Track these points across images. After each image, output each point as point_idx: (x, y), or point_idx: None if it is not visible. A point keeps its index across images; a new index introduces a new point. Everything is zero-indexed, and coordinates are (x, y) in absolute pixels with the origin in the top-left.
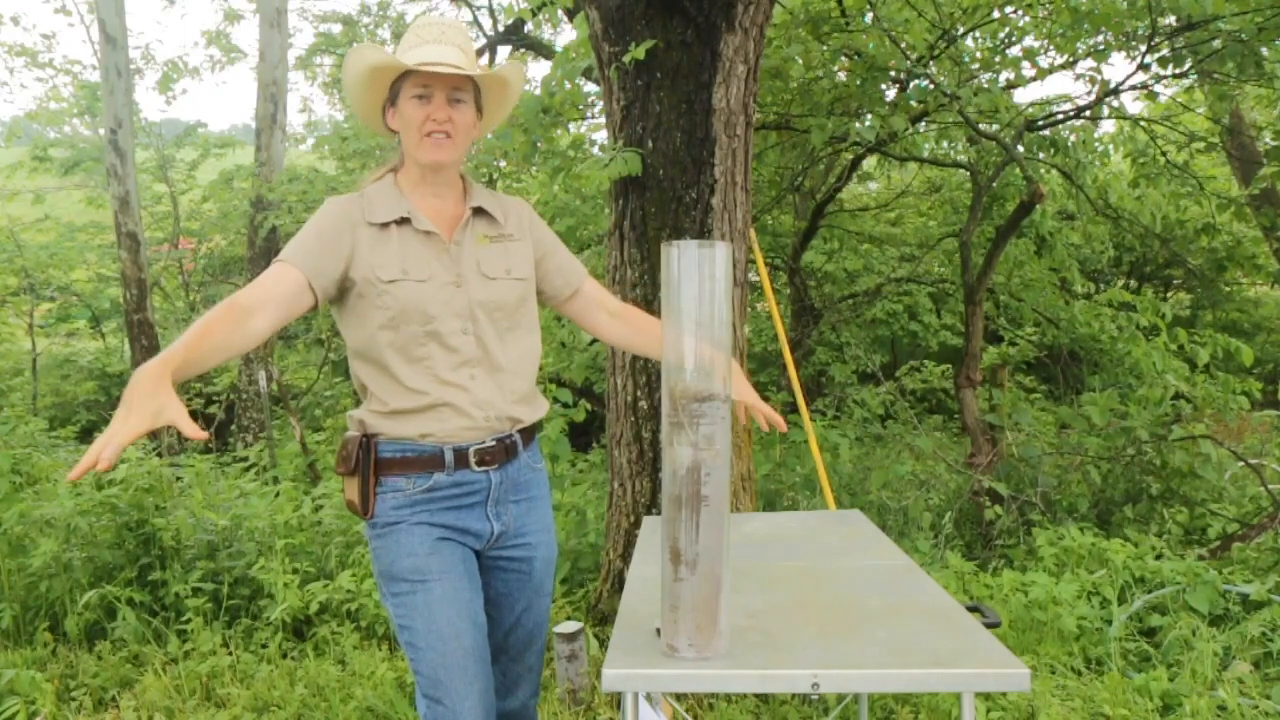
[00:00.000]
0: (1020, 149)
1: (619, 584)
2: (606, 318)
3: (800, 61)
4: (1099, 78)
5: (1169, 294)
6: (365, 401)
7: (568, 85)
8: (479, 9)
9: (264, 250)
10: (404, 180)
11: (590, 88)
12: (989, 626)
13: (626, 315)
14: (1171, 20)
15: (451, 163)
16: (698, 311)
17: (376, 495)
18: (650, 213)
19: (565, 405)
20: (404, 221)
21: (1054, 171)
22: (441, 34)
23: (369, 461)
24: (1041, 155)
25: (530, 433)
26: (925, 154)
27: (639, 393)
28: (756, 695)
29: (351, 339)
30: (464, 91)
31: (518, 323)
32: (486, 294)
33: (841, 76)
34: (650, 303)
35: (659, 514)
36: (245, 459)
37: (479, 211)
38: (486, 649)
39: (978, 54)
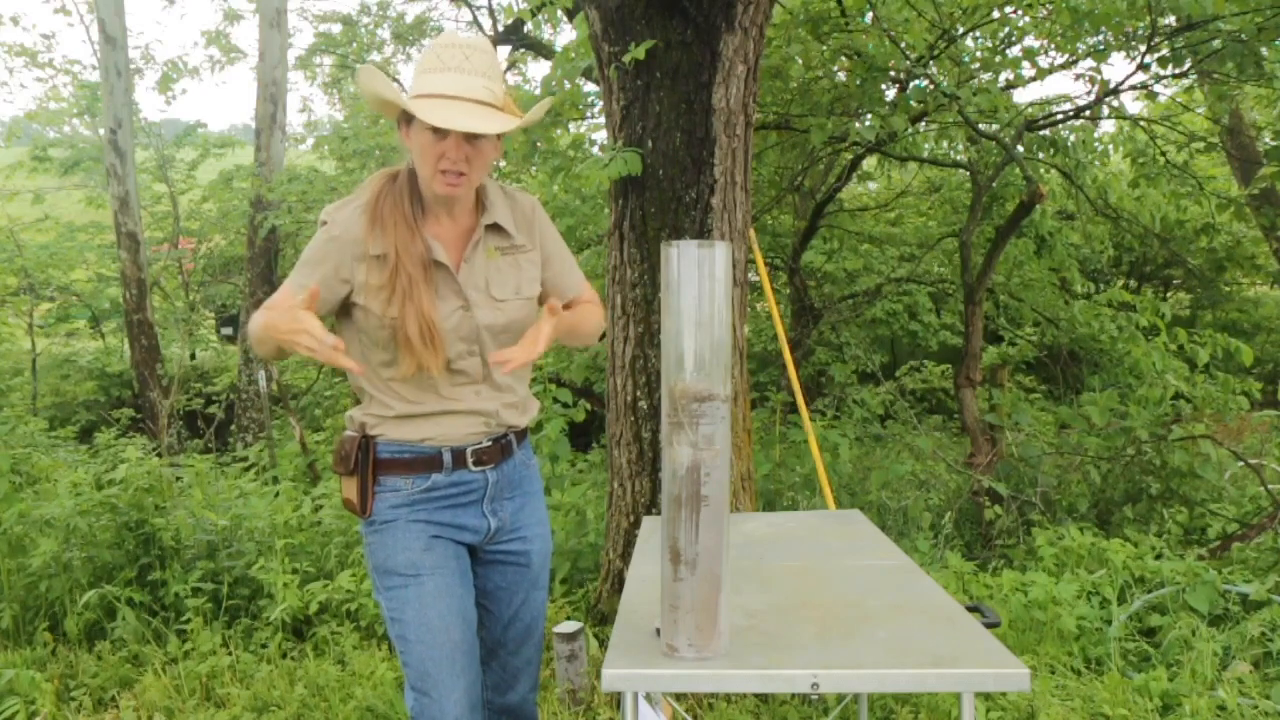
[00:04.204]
0: (1020, 149)
1: (619, 584)
2: None
3: (800, 61)
4: (1099, 78)
5: (1169, 294)
6: (364, 404)
7: (568, 85)
8: (479, 9)
9: (263, 250)
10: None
11: (590, 88)
12: (989, 626)
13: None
14: (1171, 20)
15: (467, 195)
16: (698, 311)
17: (375, 495)
18: (650, 213)
19: (565, 405)
20: None
21: (1054, 171)
22: (465, 60)
23: (367, 462)
24: (1041, 155)
25: (523, 432)
26: (925, 154)
27: (639, 393)
28: (756, 695)
29: (353, 346)
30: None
31: (518, 337)
32: (494, 318)
33: (841, 76)
34: (650, 303)
35: (659, 514)
36: (245, 459)
37: (491, 227)
38: (475, 644)
39: (978, 54)
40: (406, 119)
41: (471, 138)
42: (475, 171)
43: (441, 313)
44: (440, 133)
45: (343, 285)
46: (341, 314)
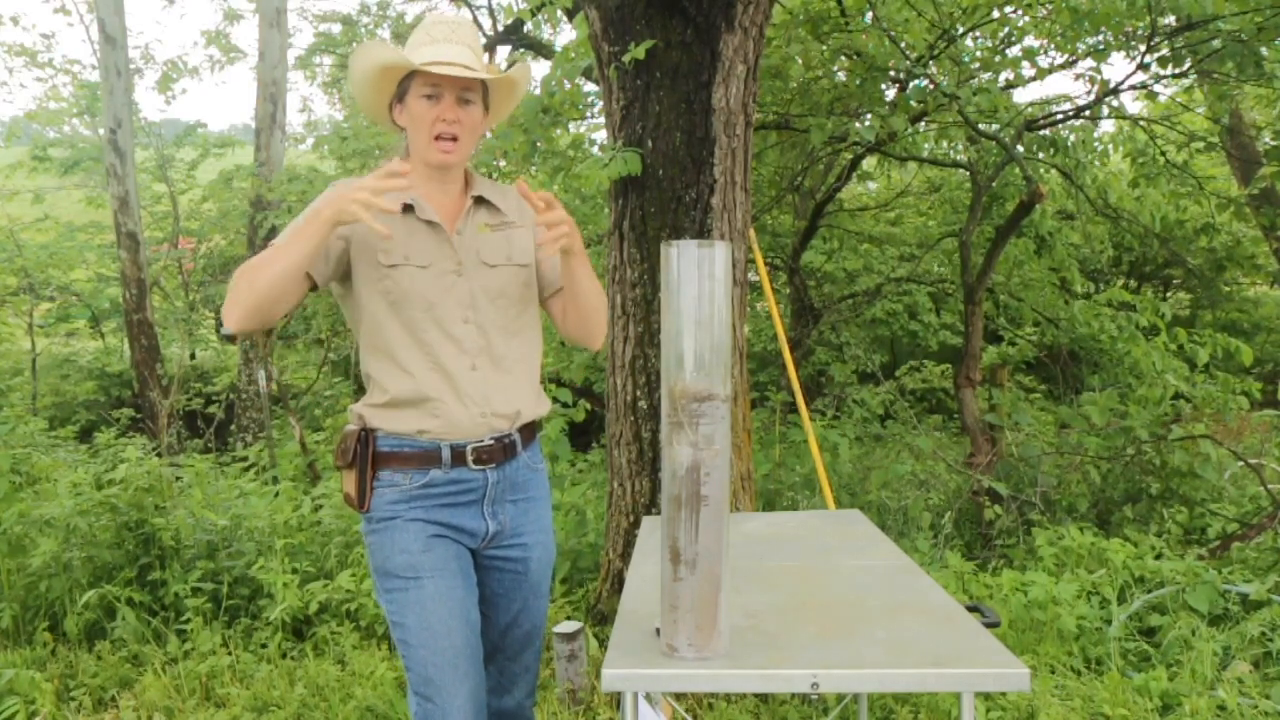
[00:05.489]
0: (1020, 149)
1: (619, 584)
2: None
3: (800, 61)
4: (1099, 78)
5: (1169, 294)
6: (367, 394)
7: (567, 85)
8: (479, 9)
9: (263, 250)
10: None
11: (590, 88)
12: (989, 626)
13: None
14: (1171, 20)
15: (459, 163)
16: (698, 311)
17: (373, 489)
18: (650, 212)
19: (565, 405)
20: (407, 210)
21: (1054, 171)
22: (452, 33)
23: (367, 455)
24: (1041, 155)
25: (531, 432)
26: (925, 154)
27: (639, 392)
28: (756, 695)
29: (358, 326)
30: (473, 92)
31: (523, 323)
32: (488, 281)
33: (841, 76)
34: (650, 302)
35: (659, 514)
36: (245, 459)
37: (480, 201)
38: (479, 647)
39: (978, 54)
40: (399, 97)
41: (463, 102)
42: (467, 135)
43: (433, 274)
44: (434, 97)
45: (340, 240)
46: (343, 285)
